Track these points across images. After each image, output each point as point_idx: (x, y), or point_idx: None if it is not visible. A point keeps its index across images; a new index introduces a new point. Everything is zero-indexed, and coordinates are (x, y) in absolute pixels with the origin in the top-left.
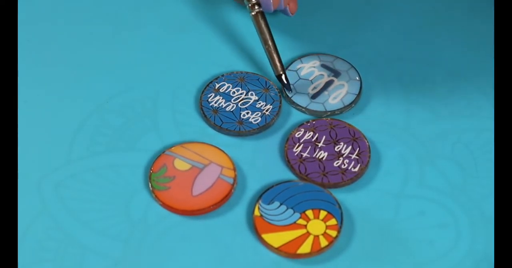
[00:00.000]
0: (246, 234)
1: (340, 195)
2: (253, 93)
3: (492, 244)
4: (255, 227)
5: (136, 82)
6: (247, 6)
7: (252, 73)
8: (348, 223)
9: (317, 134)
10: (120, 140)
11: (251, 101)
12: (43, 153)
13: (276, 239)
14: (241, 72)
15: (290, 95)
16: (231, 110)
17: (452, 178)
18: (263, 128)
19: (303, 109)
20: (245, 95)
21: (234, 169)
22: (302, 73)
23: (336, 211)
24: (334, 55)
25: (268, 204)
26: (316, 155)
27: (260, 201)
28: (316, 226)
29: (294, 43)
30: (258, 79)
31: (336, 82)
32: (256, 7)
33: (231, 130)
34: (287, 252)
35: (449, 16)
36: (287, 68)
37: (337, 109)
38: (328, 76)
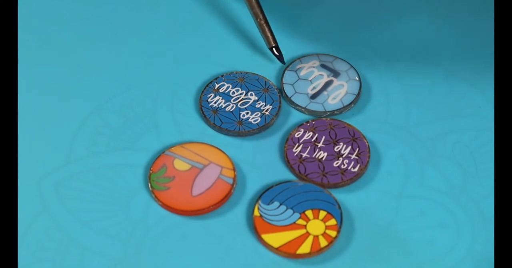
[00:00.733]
0: (246, 234)
1: (339, 195)
2: (253, 93)
3: (492, 244)
4: (255, 227)
5: (136, 82)
6: None
7: (251, 73)
8: (347, 223)
9: (316, 134)
10: (120, 140)
11: (251, 101)
12: (43, 153)
13: (276, 239)
14: (241, 72)
15: (289, 95)
16: (231, 110)
17: (452, 178)
18: (263, 128)
19: (302, 109)
20: (244, 95)
21: (234, 169)
22: (302, 73)
23: (336, 211)
24: (333, 55)
25: (268, 204)
26: (316, 155)
27: (259, 201)
28: (316, 226)
29: (293, 43)
30: (257, 79)
31: (336, 82)
32: None
33: (230, 130)
34: (287, 252)
35: (449, 16)
36: (286, 68)
37: (337, 109)
38: (328, 76)
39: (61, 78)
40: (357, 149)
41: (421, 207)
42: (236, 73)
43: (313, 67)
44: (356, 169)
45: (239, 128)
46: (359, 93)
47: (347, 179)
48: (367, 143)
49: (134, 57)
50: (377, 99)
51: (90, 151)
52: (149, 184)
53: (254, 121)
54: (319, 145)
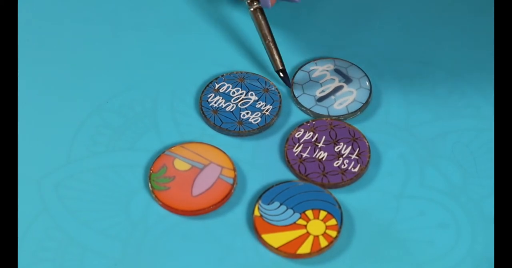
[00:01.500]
0: (246, 234)
1: (340, 195)
2: (253, 93)
3: (492, 244)
4: (255, 227)
5: (136, 82)
6: (246, 2)
7: (252, 73)
8: (348, 223)
9: (317, 134)
10: (120, 140)
11: (251, 101)
12: (43, 153)
13: (276, 239)
14: (241, 72)
15: (296, 95)
16: (231, 110)
17: (452, 178)
18: (263, 128)
19: (306, 111)
20: (245, 95)
21: (234, 169)
22: (314, 75)
23: (336, 211)
24: (350, 62)
25: (268, 204)
26: (316, 155)
27: (260, 201)
28: (316, 226)
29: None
30: (258, 79)
31: (346, 88)
32: (255, 3)
33: (231, 130)
34: (287, 252)
35: (449, 16)
36: (300, 68)
37: (341, 115)
38: (339, 81)
39: (61, 78)
40: (357, 149)
41: (421, 207)
42: (236, 73)
43: (327, 70)
44: (356, 169)
45: (239, 128)
46: (367, 102)
47: (347, 179)
48: (367, 143)
49: (134, 57)
50: (377, 99)
51: (90, 151)
52: (149, 184)
53: (254, 121)
54: (320, 145)
